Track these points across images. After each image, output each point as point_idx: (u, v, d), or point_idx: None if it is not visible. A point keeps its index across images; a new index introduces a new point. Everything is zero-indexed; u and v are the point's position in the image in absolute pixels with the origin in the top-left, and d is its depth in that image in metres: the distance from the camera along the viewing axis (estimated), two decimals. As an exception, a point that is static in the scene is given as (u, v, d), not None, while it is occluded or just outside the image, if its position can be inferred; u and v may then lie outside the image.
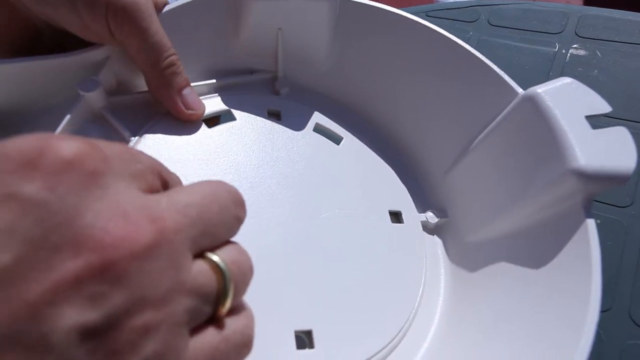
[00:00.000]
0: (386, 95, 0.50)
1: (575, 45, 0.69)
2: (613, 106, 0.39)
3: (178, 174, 0.38)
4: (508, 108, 0.42)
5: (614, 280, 0.51)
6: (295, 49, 0.48)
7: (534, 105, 0.39)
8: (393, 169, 0.48)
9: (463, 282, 0.43)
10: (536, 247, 0.38)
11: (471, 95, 0.45)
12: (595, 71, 0.65)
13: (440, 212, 0.47)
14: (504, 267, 0.40)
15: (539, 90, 0.39)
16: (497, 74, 0.42)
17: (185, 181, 0.38)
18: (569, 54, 0.68)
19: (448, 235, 0.46)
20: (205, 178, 0.39)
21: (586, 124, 0.37)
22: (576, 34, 0.70)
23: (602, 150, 0.36)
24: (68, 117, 0.36)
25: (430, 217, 0.46)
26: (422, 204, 0.47)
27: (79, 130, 0.38)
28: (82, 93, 0.37)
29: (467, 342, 0.38)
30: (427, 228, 0.46)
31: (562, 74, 0.66)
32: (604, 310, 0.52)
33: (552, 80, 0.40)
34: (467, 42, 0.45)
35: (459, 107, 0.46)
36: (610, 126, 0.37)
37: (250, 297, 0.35)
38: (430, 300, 0.42)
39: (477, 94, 0.44)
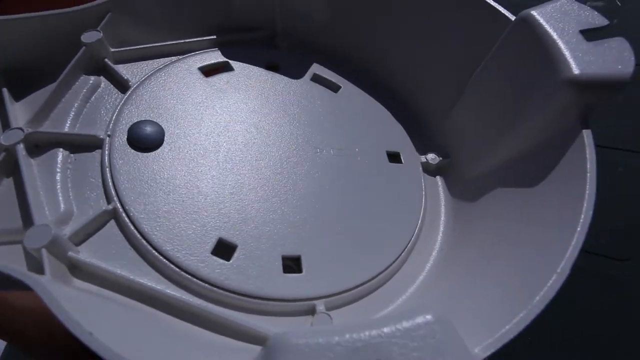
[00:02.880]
0: (382, 42, 0.50)
1: (594, -5, 0.65)
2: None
3: (179, 119, 0.40)
4: (502, 35, 0.40)
5: None
6: (292, 3, 0.49)
7: (527, 26, 0.38)
8: (394, 114, 0.48)
9: (463, 216, 0.41)
10: (533, 170, 0.36)
11: (464, 30, 0.44)
12: (615, 20, 0.62)
13: (441, 153, 0.46)
14: (501, 194, 0.38)
15: (532, 11, 0.38)
16: (487, 3, 0.41)
17: (188, 125, 0.40)
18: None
19: (450, 175, 0.45)
20: (205, 123, 0.41)
21: (581, 37, 0.36)
22: (594, -18, 0.67)
23: (598, 59, 0.34)
24: (70, 66, 0.39)
25: (431, 158, 0.45)
26: (424, 147, 0.47)
27: (83, 79, 0.41)
28: (84, 41, 0.40)
29: (465, 268, 0.36)
30: (429, 170, 0.46)
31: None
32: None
33: (548, 2, 0.39)
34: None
35: (453, 44, 0.45)
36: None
37: (245, 223, 0.36)
38: (429, 236, 0.41)
39: (470, 28, 0.43)
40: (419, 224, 0.40)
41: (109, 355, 0.23)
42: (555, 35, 0.36)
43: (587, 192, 0.31)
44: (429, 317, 0.24)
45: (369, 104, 0.48)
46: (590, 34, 0.36)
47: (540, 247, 0.32)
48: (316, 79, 0.48)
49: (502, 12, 0.41)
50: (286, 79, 0.47)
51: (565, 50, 0.35)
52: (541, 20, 0.37)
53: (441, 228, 0.42)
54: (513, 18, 0.40)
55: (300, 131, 0.43)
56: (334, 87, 0.48)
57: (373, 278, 0.36)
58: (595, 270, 0.53)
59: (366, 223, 0.39)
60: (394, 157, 0.44)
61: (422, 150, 0.46)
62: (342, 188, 0.40)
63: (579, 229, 0.30)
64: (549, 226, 0.33)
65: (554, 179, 0.35)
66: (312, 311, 0.34)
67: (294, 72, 0.47)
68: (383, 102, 0.48)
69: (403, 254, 0.38)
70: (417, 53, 0.48)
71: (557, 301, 0.27)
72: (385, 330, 0.23)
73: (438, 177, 0.46)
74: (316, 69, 0.48)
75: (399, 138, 0.46)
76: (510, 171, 0.39)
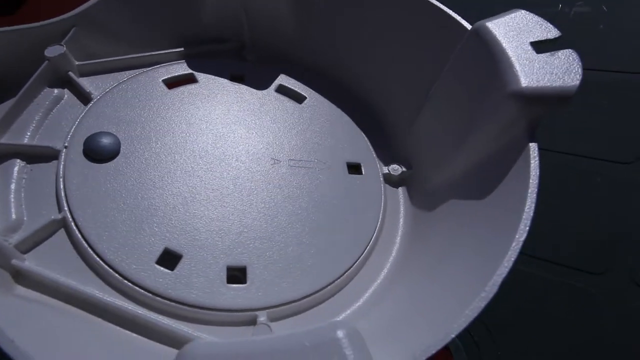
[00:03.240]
0: (349, 53, 0.50)
1: (579, 3, 0.65)
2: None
3: (138, 131, 0.41)
4: (459, 46, 0.40)
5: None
6: (260, 15, 0.50)
7: (480, 38, 0.38)
8: (360, 125, 0.48)
9: (421, 226, 0.41)
10: (484, 181, 0.36)
11: (426, 41, 0.44)
12: (601, 26, 0.61)
13: (404, 164, 0.46)
14: (454, 204, 0.38)
15: (486, 23, 0.38)
16: (445, 12, 0.41)
17: (146, 137, 0.41)
18: (572, 12, 0.64)
19: (412, 186, 0.45)
20: (164, 134, 0.42)
21: (530, 49, 0.35)
22: (578, -10, 0.66)
23: (545, 72, 0.34)
24: (31, 80, 0.40)
25: (393, 169, 0.45)
26: (389, 158, 0.46)
27: (46, 91, 0.42)
28: (47, 56, 0.41)
29: (415, 284, 0.36)
30: (391, 181, 0.45)
31: (565, 32, 0.62)
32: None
33: (503, 13, 0.39)
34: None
35: (417, 55, 0.45)
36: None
37: (192, 233, 0.36)
38: (385, 248, 0.41)
39: (431, 39, 0.43)
40: (374, 236, 0.40)
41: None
42: (505, 47, 0.36)
43: (525, 208, 0.31)
44: (339, 333, 0.24)
45: (333, 115, 0.48)
46: (542, 46, 0.36)
47: (489, 257, 0.32)
48: (281, 90, 0.48)
49: (460, 22, 0.41)
50: (250, 90, 0.47)
51: (513, 63, 0.35)
52: (493, 32, 0.37)
53: (398, 240, 0.42)
54: (469, 27, 0.40)
55: (259, 142, 0.43)
56: (299, 98, 0.48)
57: (320, 290, 0.36)
58: (566, 282, 0.52)
59: (318, 235, 0.39)
60: (354, 168, 0.44)
61: (387, 161, 0.46)
62: (296, 199, 0.40)
63: (513, 244, 0.29)
64: (498, 236, 0.32)
65: (501, 191, 0.34)
66: (253, 322, 0.34)
67: (259, 83, 0.48)
68: (350, 113, 0.48)
69: (354, 267, 0.38)
70: (383, 63, 0.48)
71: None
72: (293, 345, 0.23)
73: (400, 189, 0.45)
74: (282, 80, 0.49)
75: (361, 149, 0.46)
76: (466, 182, 0.39)
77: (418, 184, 0.44)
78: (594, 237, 0.55)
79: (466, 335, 0.54)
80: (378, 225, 0.41)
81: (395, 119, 0.48)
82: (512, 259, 0.29)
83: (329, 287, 0.37)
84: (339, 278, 0.37)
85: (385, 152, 0.47)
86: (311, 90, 0.49)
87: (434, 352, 0.26)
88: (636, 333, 0.45)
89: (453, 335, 0.27)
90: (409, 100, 0.46)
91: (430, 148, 0.43)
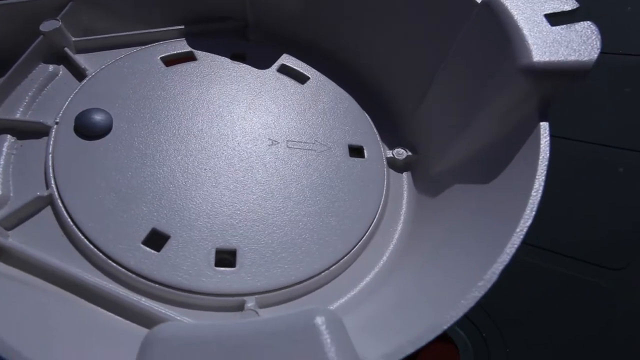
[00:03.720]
0: (355, 32, 0.47)
1: (606, -17, 0.61)
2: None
3: (131, 108, 0.40)
4: (469, 20, 0.38)
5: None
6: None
7: (490, 9, 0.35)
8: (365, 107, 0.45)
9: (425, 212, 0.39)
10: (492, 164, 0.34)
11: (437, 23, 0.41)
12: (629, 8, 0.57)
13: (410, 148, 0.43)
14: (460, 189, 0.36)
15: (497, -5, 0.35)
16: (455, -14, 0.39)
17: (139, 114, 0.40)
18: (598, -7, 0.60)
19: (417, 171, 0.43)
20: (158, 112, 0.40)
21: (544, 22, 0.32)
22: (604, -32, 0.62)
23: (559, 45, 0.31)
24: (25, 54, 0.39)
25: (398, 153, 0.43)
26: (394, 141, 0.44)
27: (41, 67, 0.41)
28: (42, 30, 0.40)
29: (419, 262, 0.34)
30: (396, 165, 0.43)
31: (590, 11, 0.59)
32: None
33: (516, -16, 0.36)
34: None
35: (427, 37, 0.42)
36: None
37: (182, 214, 0.35)
38: (387, 233, 0.39)
39: (439, 15, 0.40)
40: (374, 222, 0.38)
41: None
42: (516, 19, 0.33)
43: (532, 191, 0.28)
44: (317, 320, 0.22)
45: (337, 97, 0.46)
46: (558, 18, 0.33)
47: (493, 245, 0.29)
48: (283, 69, 0.46)
49: (471, -4, 0.38)
50: (251, 69, 0.45)
51: (525, 36, 0.32)
52: (505, 3, 0.34)
53: (399, 226, 0.39)
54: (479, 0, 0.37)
55: (256, 122, 0.41)
56: (302, 79, 0.46)
57: (314, 276, 0.34)
58: (581, 277, 0.49)
59: (315, 219, 0.37)
60: (356, 151, 0.42)
61: (392, 145, 0.44)
62: (292, 181, 0.39)
63: (517, 229, 0.27)
64: (503, 222, 0.30)
65: (508, 175, 0.32)
66: (241, 307, 0.32)
67: (260, 62, 0.46)
68: (355, 95, 0.46)
69: (351, 253, 0.36)
70: (392, 45, 0.45)
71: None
72: (266, 330, 0.22)
73: (405, 174, 0.43)
74: (285, 59, 0.47)
75: (364, 131, 0.44)
76: (472, 167, 0.36)
77: (423, 169, 0.42)
78: (615, 230, 0.52)
79: (474, 330, 0.52)
80: (379, 211, 0.39)
81: (402, 102, 0.45)
82: (515, 246, 0.26)
83: (323, 273, 0.35)
84: (334, 265, 0.35)
85: (392, 136, 0.44)
86: (315, 70, 0.47)
87: (423, 343, 0.24)
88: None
89: (445, 327, 0.25)
90: (418, 83, 0.43)
91: (437, 130, 0.41)
